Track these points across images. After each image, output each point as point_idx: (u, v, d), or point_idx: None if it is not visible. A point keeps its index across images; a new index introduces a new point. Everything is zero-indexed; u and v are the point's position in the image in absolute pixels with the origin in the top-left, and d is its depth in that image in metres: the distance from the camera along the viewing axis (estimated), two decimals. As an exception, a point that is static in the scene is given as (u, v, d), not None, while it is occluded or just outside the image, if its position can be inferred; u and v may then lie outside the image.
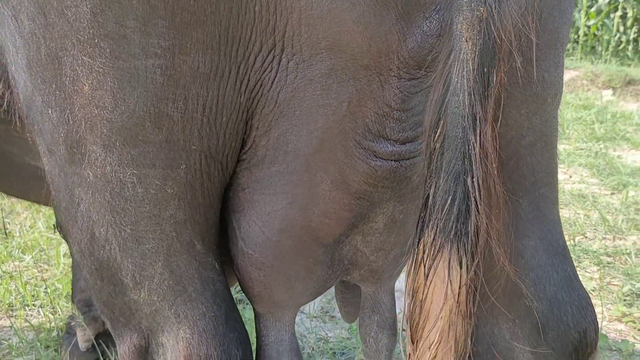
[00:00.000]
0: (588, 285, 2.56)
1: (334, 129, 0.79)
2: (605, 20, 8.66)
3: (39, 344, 2.01)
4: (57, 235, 3.08)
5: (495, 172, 0.74)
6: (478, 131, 0.72)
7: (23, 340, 2.05)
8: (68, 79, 0.75)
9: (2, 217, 3.21)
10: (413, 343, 0.81)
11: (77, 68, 0.74)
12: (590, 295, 2.43)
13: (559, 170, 4.29)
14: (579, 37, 8.81)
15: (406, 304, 0.82)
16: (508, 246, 0.80)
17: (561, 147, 5.07)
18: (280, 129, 0.81)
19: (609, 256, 2.88)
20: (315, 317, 2.26)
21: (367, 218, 0.90)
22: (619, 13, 8.62)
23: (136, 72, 0.73)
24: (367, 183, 0.83)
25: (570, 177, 4.26)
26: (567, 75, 7.46)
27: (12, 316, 2.23)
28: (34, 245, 2.80)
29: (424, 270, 0.78)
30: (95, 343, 1.92)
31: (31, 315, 2.25)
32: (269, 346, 1.03)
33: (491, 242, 0.75)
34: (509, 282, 0.95)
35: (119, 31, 0.71)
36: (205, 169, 0.82)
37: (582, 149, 4.99)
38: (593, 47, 8.96)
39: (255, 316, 1.03)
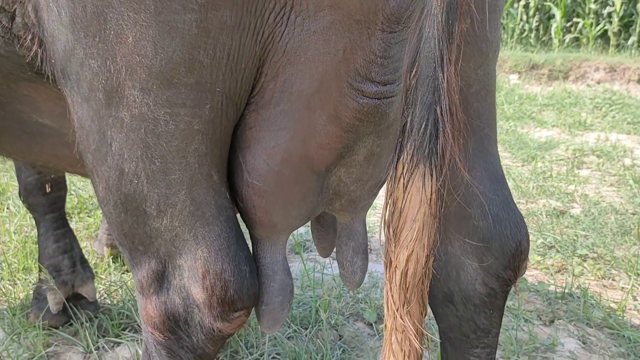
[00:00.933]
0: (507, 240, 2.90)
1: (331, 73, 0.92)
2: (510, 10, 9.31)
3: (5, 313, 2.06)
4: (6, 214, 3.06)
5: (458, 102, 0.95)
6: (445, 69, 0.93)
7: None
8: (112, 32, 0.86)
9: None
10: (394, 244, 1.02)
11: (122, 22, 0.84)
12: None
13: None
14: (487, 26, 9.40)
15: (387, 214, 1.02)
16: (467, 160, 1.02)
17: (476, 126, 5.49)
18: (287, 74, 0.94)
19: (524, 217, 3.24)
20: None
21: (352, 150, 1.02)
22: (522, 2, 9.29)
23: (175, 24, 0.84)
24: (355, 118, 0.96)
25: (486, 152, 4.65)
26: (478, 62, 7.99)
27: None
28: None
29: (403, 182, 0.98)
30: (66, 305, 2.00)
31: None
32: (266, 266, 1.17)
33: (455, 157, 0.97)
34: (461, 205, 1.19)
35: None
36: (224, 109, 0.95)
37: (494, 128, 5.43)
38: (499, 36, 9.60)
39: (253, 242, 1.16)
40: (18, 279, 2.33)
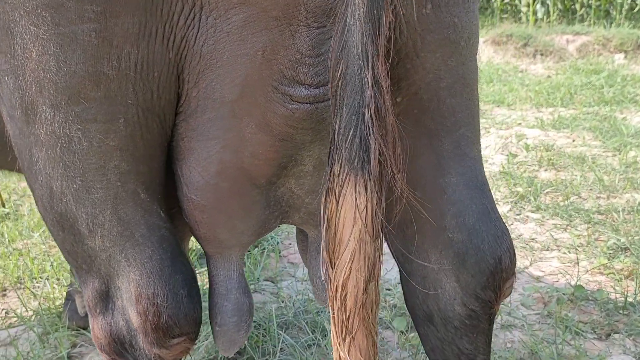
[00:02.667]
0: (576, 241, 2.61)
1: (252, 76, 0.86)
2: (619, -18, 8.50)
3: (43, 312, 2.15)
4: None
5: (389, 104, 0.82)
6: (370, 67, 0.80)
7: (29, 310, 2.19)
8: (19, 47, 0.84)
9: (12, 200, 3.38)
10: (332, 267, 0.91)
11: (26, 37, 0.82)
12: (576, 250, 2.48)
13: (563, 135, 4.27)
14: (592, 1, 8.67)
15: (323, 233, 0.90)
16: (405, 170, 0.88)
17: (567, 112, 5.06)
18: (207, 80, 0.88)
19: (601, 214, 2.92)
20: (305, 280, 2.37)
21: (296, 161, 0.97)
22: (632, -26, 8.45)
23: (74, 36, 0.81)
24: (287, 125, 0.90)
25: (574, 141, 4.27)
26: (579, 41, 7.38)
27: (19, 289, 2.38)
28: (41, 224, 2.94)
29: (335, 197, 0.87)
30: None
31: (38, 287, 2.40)
32: (219, 284, 1.11)
33: (390, 167, 0.83)
34: (435, 216, 1.04)
35: (58, 0, 0.79)
36: (143, 122, 0.90)
37: (588, 114, 4.97)
38: (607, 11, 8.80)
39: (206, 258, 1.11)
40: (64, 277, 2.43)
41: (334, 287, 0.91)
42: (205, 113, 0.91)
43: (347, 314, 0.91)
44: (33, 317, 2.14)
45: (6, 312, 2.20)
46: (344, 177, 0.85)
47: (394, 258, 1.13)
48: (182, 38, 0.85)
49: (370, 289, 0.89)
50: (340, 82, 0.83)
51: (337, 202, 0.87)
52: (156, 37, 0.84)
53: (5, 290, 2.38)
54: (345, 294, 0.90)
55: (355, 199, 0.85)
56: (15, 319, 2.12)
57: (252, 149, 0.92)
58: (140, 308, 0.97)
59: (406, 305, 1.19)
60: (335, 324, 0.93)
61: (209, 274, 1.13)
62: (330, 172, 0.87)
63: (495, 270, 1.04)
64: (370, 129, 0.82)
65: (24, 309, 2.19)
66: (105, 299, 1.02)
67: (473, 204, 1.04)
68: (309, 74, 0.85)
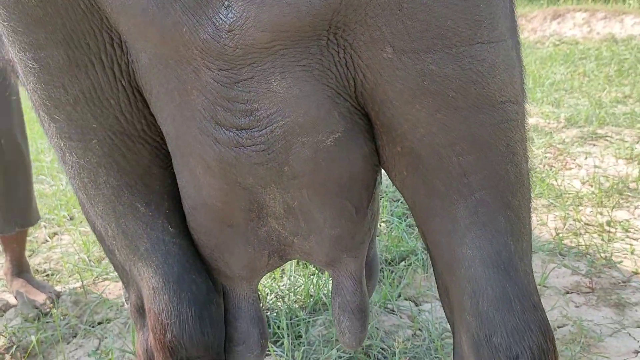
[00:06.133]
0: None
1: (177, 116, 0.80)
2: None
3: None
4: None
5: None
6: None
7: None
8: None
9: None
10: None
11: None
12: None
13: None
14: None
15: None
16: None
17: None
18: (154, 112, 0.85)
19: None
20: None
21: (261, 204, 0.88)
22: None
23: (24, 62, 0.81)
24: (222, 168, 0.81)
25: None
26: None
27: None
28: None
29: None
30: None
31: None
32: (228, 311, 1.07)
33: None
34: (456, 290, 0.89)
35: (3, 30, 0.80)
36: (119, 143, 0.87)
37: None
38: None
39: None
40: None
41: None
42: (168, 145, 0.87)
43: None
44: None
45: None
46: None
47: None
48: (127, 66, 0.81)
49: None
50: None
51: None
52: (94, 68, 0.80)
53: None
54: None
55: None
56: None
57: (207, 190, 0.86)
58: (150, 324, 0.93)
59: None
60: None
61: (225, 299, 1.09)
62: None
63: None
64: None
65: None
66: (142, 313, 0.99)
67: (489, 285, 0.85)
68: (226, 117, 0.77)
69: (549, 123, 4.17)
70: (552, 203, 2.86)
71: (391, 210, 2.78)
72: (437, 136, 0.80)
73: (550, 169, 3.33)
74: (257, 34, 0.67)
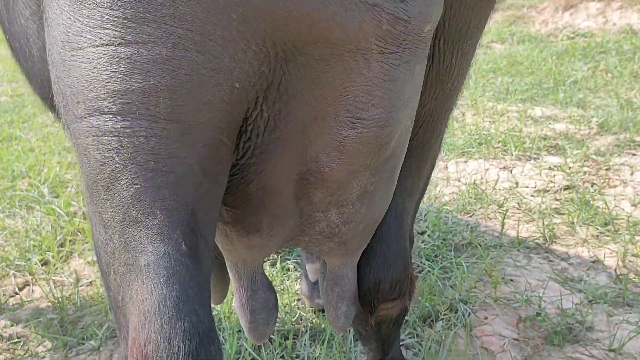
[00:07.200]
0: None
1: (319, 101, 0.83)
2: None
3: None
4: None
5: None
6: None
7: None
8: None
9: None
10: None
11: None
12: None
13: None
14: None
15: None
16: None
17: None
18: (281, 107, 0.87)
19: None
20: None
21: (348, 189, 0.92)
22: None
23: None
24: (356, 148, 0.87)
25: None
26: None
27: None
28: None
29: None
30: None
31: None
32: (245, 287, 1.13)
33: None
34: None
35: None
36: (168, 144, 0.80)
37: None
38: None
39: (228, 266, 1.13)
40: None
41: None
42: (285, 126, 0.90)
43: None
44: None
45: None
46: None
47: None
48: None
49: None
50: None
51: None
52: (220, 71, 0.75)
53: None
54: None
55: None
56: None
57: (327, 164, 0.89)
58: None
59: None
60: None
61: (233, 282, 1.15)
62: None
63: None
64: None
65: None
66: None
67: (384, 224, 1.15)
68: (374, 98, 0.82)
69: (579, 129, 3.77)
70: (602, 233, 2.47)
71: (418, 249, 2.38)
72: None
73: (592, 187, 2.93)
74: (423, 25, 0.78)
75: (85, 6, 0.66)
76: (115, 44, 0.66)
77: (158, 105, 0.70)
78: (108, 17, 0.65)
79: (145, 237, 0.75)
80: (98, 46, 0.67)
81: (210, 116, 0.73)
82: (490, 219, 2.71)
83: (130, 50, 0.66)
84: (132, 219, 0.75)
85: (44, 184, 3.38)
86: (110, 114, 0.70)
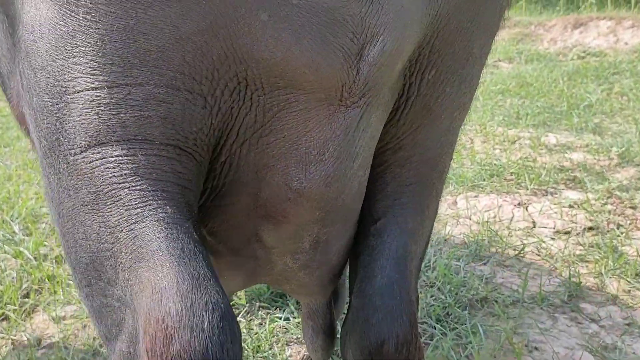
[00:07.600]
0: None
1: (285, 146, 0.84)
2: None
3: None
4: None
5: None
6: None
7: None
8: None
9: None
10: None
11: None
12: None
13: None
14: None
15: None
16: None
17: None
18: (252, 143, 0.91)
19: None
20: None
21: (300, 238, 0.92)
22: None
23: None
24: (311, 196, 0.87)
25: None
26: None
27: None
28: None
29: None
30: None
31: None
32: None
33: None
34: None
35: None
36: (174, 153, 0.83)
37: None
38: None
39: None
40: None
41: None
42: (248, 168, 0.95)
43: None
44: None
45: None
46: None
47: None
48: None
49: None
50: None
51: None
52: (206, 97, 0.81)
53: None
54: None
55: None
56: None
57: (291, 208, 0.89)
58: (148, 339, 0.69)
59: None
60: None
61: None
62: None
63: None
64: None
65: None
66: None
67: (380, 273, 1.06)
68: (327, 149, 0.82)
69: (598, 160, 3.49)
70: (634, 287, 2.18)
71: (427, 306, 2.10)
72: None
73: (618, 229, 2.64)
74: (390, 72, 0.79)
75: (74, 54, 0.70)
76: (106, 87, 0.70)
77: (154, 132, 0.74)
78: (96, 64, 0.70)
79: (155, 226, 0.77)
80: (91, 90, 0.71)
81: (201, 141, 0.78)
82: (507, 266, 2.42)
83: (123, 91, 0.71)
84: (139, 216, 0.77)
85: (16, 219, 3.10)
86: (111, 143, 0.74)
